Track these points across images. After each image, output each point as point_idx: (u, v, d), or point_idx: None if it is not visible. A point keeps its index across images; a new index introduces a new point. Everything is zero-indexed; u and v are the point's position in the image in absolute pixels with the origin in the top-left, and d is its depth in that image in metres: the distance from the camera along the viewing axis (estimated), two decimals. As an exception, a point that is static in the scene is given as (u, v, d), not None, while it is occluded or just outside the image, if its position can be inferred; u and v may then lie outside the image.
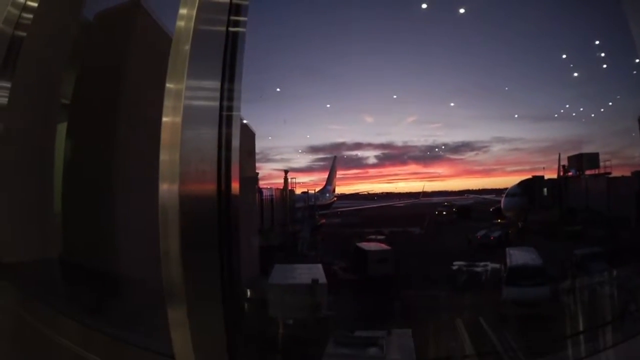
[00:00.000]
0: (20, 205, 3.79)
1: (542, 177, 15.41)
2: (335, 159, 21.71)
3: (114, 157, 4.63)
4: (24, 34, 3.66)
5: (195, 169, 1.67)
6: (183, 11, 1.78)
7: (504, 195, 16.03)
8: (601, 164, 13.75)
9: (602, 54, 14.95)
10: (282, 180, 16.67)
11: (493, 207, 16.74)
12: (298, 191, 17.77)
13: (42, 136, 4.06)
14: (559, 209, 14.40)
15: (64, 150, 4.48)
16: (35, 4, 3.69)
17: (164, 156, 1.66)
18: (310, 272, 9.70)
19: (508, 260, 11.04)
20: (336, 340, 6.48)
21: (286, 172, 17.04)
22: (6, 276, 3.35)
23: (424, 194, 21.63)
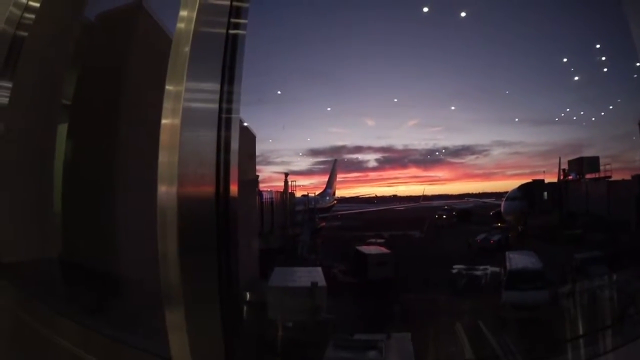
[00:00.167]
0: (20, 205, 3.79)
1: (542, 180, 15.42)
2: (335, 162, 21.73)
3: (114, 158, 4.63)
4: (26, 34, 3.66)
5: (193, 171, 1.67)
6: (183, 13, 1.78)
7: (504, 199, 16.04)
8: (601, 167, 13.76)
9: (603, 58, 14.97)
10: (282, 183, 16.70)
11: (493, 211, 16.74)
12: (298, 194, 17.80)
13: (42, 136, 4.06)
14: (559, 213, 14.40)
15: (64, 151, 4.49)
16: (37, 4, 3.70)
17: (162, 158, 1.66)
18: (310, 275, 9.70)
19: (508, 264, 11.04)
20: (336, 343, 6.48)
21: (286, 175, 17.07)
22: (5, 276, 3.35)
23: (424, 197, 21.63)
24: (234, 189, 1.77)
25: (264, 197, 14.88)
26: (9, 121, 3.62)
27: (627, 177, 13.25)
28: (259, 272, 10.68)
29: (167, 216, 1.62)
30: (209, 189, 1.70)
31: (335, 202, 21.24)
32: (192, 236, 1.65)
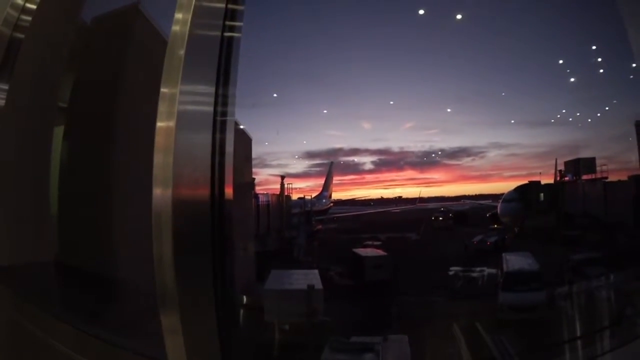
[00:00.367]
0: (16, 208, 3.78)
1: (539, 182, 15.46)
2: (332, 164, 21.76)
3: (110, 161, 4.62)
4: (23, 35, 3.66)
5: (188, 173, 1.66)
6: (178, 15, 1.78)
7: (501, 201, 16.06)
8: (598, 168, 13.79)
9: (599, 59, 15.03)
10: (278, 186, 16.69)
11: (490, 213, 16.77)
12: (294, 197, 17.80)
13: (38, 138, 4.05)
14: (556, 214, 14.43)
15: (60, 153, 4.47)
16: (33, 6, 3.70)
17: (157, 160, 1.65)
18: (307, 278, 9.69)
19: (504, 266, 11.06)
20: (332, 346, 6.47)
21: (283, 177, 17.07)
22: (1, 279, 3.33)
23: (421, 199, 21.65)
24: (228, 191, 1.77)
25: (260, 199, 14.87)
26: (5, 123, 3.62)
27: (624, 178, 13.28)
28: (255, 275, 10.68)
29: (162, 219, 1.61)
30: (203, 192, 1.70)
31: (331, 204, 21.25)
32: (187, 239, 1.65)
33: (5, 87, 3.61)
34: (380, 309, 10.41)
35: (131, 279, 3.91)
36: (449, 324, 8.16)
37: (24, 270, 3.59)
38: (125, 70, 4.83)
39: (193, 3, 1.76)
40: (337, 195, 21.89)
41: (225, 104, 1.81)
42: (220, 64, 1.81)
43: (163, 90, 1.71)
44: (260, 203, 14.76)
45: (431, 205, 20.98)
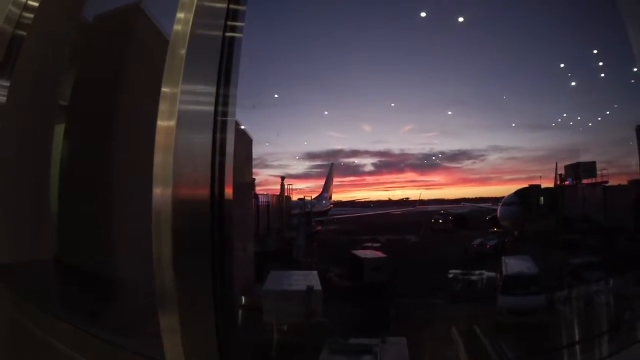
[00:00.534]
0: (16, 206, 3.77)
1: (539, 186, 15.48)
2: (332, 166, 21.79)
3: (110, 160, 4.62)
4: (25, 33, 3.66)
5: (189, 173, 1.66)
6: (180, 15, 1.78)
7: (501, 204, 16.07)
8: (598, 173, 13.79)
9: (600, 63, 15.04)
10: (279, 187, 16.70)
11: (490, 216, 16.78)
12: (295, 198, 17.81)
13: (39, 136, 4.04)
14: (556, 218, 14.42)
15: (60, 151, 4.47)
16: (36, 4, 3.69)
17: (158, 160, 1.65)
18: (306, 279, 9.69)
19: (504, 269, 11.06)
20: (331, 347, 6.47)
21: (283, 178, 17.09)
22: (1, 277, 3.33)
23: (421, 202, 21.66)
24: (229, 191, 1.76)
25: (260, 200, 14.88)
26: (5, 120, 3.61)
27: (624, 182, 13.29)
28: (255, 276, 10.68)
29: (162, 218, 1.61)
30: (204, 192, 1.69)
31: (331, 206, 21.26)
32: (187, 239, 1.64)
33: (7, 84, 3.60)
34: (379, 311, 10.40)
35: (130, 279, 3.91)
36: (447, 327, 8.15)
37: (23, 269, 3.58)
38: (127, 70, 4.83)
39: (195, 3, 1.76)
40: (337, 196, 21.91)
41: (226, 104, 1.80)
42: (222, 64, 1.81)
43: (164, 89, 1.71)
44: (260, 204, 14.78)
45: (431, 207, 21.00)
